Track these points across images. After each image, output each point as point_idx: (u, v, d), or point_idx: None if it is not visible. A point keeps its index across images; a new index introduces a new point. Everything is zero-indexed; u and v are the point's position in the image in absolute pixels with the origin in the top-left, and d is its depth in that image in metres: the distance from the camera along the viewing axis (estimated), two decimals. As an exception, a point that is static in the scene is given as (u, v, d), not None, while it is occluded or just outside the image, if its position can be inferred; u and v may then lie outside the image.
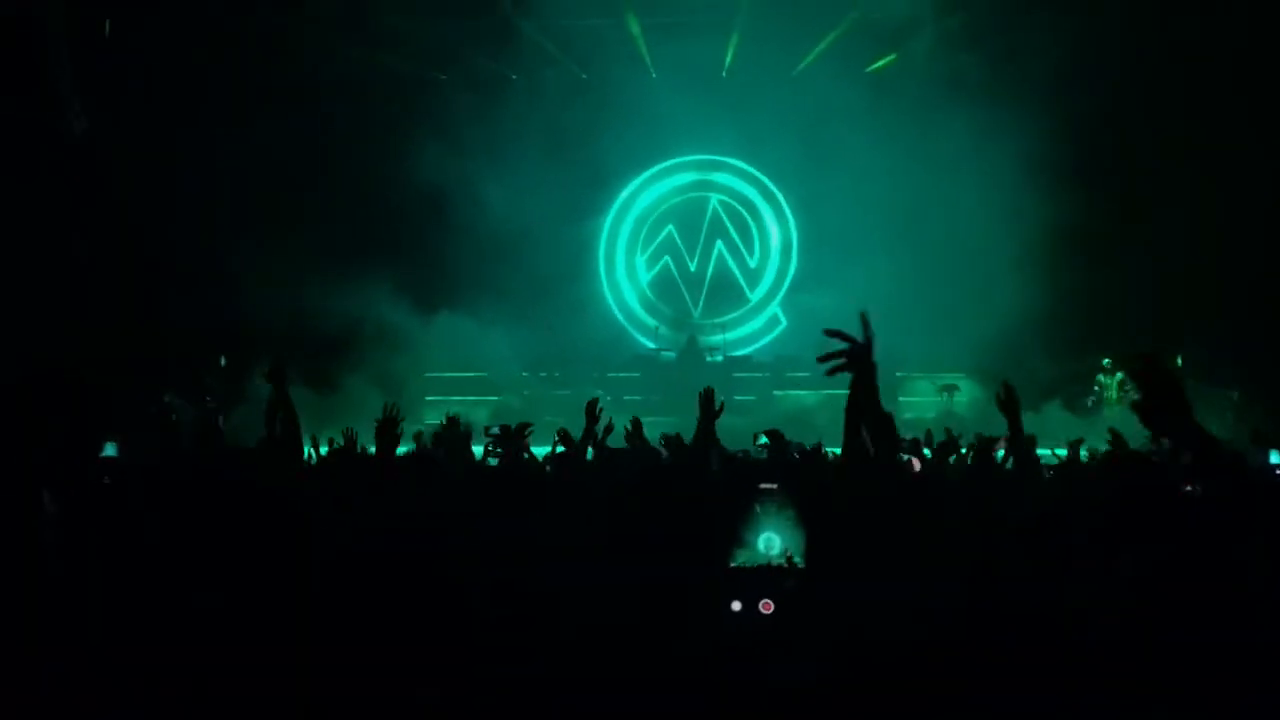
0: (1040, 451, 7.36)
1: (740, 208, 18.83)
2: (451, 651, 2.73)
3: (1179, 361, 14.89)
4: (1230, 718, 1.86)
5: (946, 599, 2.32)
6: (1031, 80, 15.35)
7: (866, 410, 2.53)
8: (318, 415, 11.15)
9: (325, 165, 16.28)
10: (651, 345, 17.91)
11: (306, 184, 16.07)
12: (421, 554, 3.14)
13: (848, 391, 3.09)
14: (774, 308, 18.56)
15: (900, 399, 15.76)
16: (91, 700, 2.70)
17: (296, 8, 15.01)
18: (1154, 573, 1.95)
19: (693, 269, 18.76)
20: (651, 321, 18.37)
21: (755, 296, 18.67)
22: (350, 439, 5.63)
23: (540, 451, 6.91)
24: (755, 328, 18.54)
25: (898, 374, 15.98)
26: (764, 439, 5.20)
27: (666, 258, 18.80)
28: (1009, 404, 4.31)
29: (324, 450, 6.89)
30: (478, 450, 6.91)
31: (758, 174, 18.58)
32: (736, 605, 2.81)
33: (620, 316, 18.59)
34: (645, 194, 18.75)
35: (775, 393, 16.40)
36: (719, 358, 17.44)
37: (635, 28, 16.53)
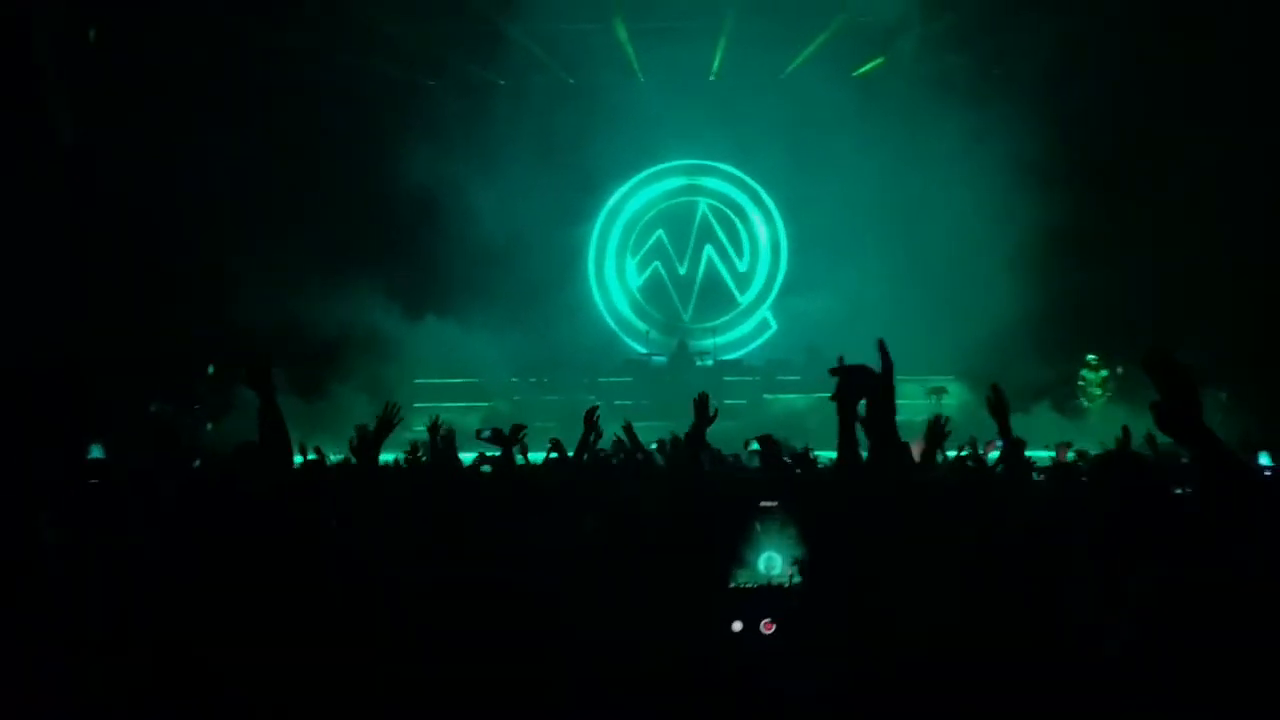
0: (1030, 453, 7.38)
1: (729, 211, 18.85)
2: (444, 662, 2.71)
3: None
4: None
5: (949, 609, 2.32)
6: (1019, 82, 15.43)
7: (881, 438, 2.49)
8: (306, 422, 11.14)
9: (315, 171, 16.22)
10: (642, 350, 17.89)
11: (296, 190, 16.03)
12: (415, 559, 3.13)
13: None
14: (764, 311, 18.58)
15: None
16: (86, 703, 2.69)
17: (287, 14, 14.96)
18: (1159, 581, 1.94)
19: (683, 273, 18.77)
20: (642, 326, 18.36)
21: (745, 300, 18.69)
22: (320, 454, 5.60)
23: (534, 458, 6.90)
24: (745, 331, 18.56)
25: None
26: (755, 445, 5.18)
27: (656, 262, 18.80)
28: (998, 407, 4.30)
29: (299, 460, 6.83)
30: (466, 457, 6.88)
31: (746, 178, 18.61)
32: (738, 625, 2.79)
33: (611, 321, 18.58)
34: (635, 198, 18.75)
35: (766, 396, 16.41)
36: (709, 362, 17.45)
37: (623, 33, 16.53)
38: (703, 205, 18.86)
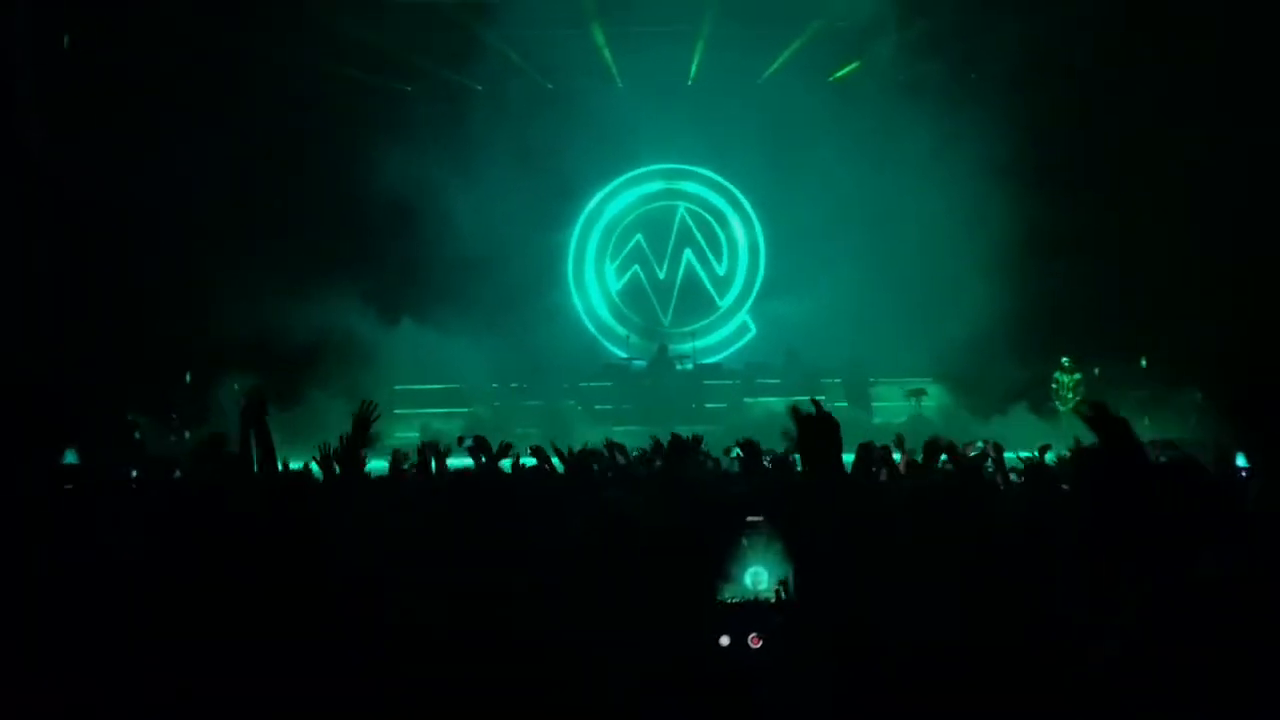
0: (1008, 455, 7.43)
1: (708, 215, 18.88)
2: (435, 666, 2.71)
3: (1143, 363, 15.09)
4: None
5: (936, 620, 2.33)
6: (994, 85, 15.54)
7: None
8: (282, 430, 11.05)
9: (292, 178, 16.15)
10: (622, 354, 17.89)
11: (273, 197, 15.95)
12: (400, 569, 3.12)
13: (819, 398, 3.07)
14: (743, 315, 18.62)
15: (869, 405, 15.89)
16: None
17: (261, 20, 14.88)
18: (1150, 585, 1.96)
19: (662, 277, 18.79)
20: (622, 330, 18.36)
21: (724, 304, 18.72)
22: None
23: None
24: (725, 335, 18.59)
25: (869, 379, 16.11)
26: (737, 450, 5.19)
27: (636, 266, 18.81)
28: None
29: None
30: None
31: (724, 182, 18.65)
32: (725, 640, 2.80)
33: (590, 326, 18.58)
34: (613, 203, 18.76)
35: (745, 400, 16.44)
36: (689, 365, 17.46)
37: (600, 38, 16.54)
38: (681, 209, 18.88)
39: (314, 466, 4.77)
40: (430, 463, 5.96)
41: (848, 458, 3.60)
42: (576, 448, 6.52)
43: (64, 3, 14.57)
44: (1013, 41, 14.93)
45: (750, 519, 3.01)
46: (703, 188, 18.80)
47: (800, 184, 16.67)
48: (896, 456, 8.09)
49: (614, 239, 18.82)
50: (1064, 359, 15.71)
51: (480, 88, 17.41)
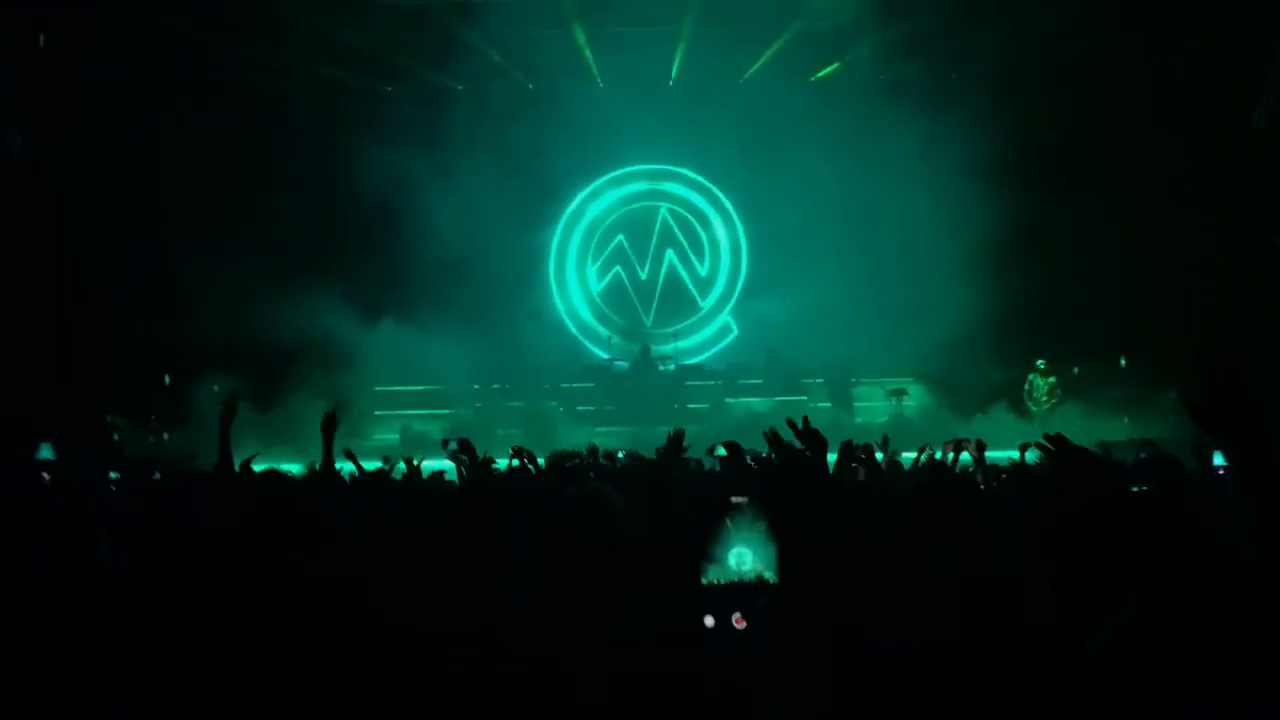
0: (990, 455, 7.45)
1: (690, 216, 18.88)
2: (416, 660, 2.70)
3: (1122, 363, 15.19)
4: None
5: (923, 607, 2.34)
6: (975, 85, 15.61)
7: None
8: (263, 432, 11.01)
9: (271, 178, 16.08)
10: (604, 355, 17.88)
11: (252, 197, 15.87)
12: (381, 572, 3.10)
13: (800, 398, 3.09)
14: (725, 315, 18.64)
15: (852, 405, 15.93)
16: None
17: (240, 19, 14.80)
18: (1140, 588, 1.96)
19: (644, 278, 18.78)
20: (604, 331, 18.34)
21: (706, 304, 18.74)
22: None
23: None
24: (707, 336, 18.60)
25: (851, 380, 16.16)
26: (721, 450, 5.20)
27: (618, 267, 18.80)
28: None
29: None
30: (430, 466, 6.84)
31: (706, 182, 18.66)
32: (709, 621, 2.81)
33: (572, 327, 18.56)
34: (595, 204, 18.75)
35: (727, 400, 16.45)
36: (671, 366, 17.47)
37: (581, 38, 16.53)
38: (663, 210, 18.88)
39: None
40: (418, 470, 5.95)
41: (831, 457, 3.61)
42: (559, 449, 6.52)
43: (40, 1, 14.45)
44: (994, 43, 15.02)
45: (734, 499, 3.02)
46: (685, 188, 18.81)
47: (782, 184, 16.71)
48: (879, 456, 8.11)
49: (596, 239, 18.81)
50: (1039, 361, 15.78)
51: (461, 88, 17.36)
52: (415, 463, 6.34)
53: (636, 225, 18.84)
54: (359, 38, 15.43)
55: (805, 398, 15.45)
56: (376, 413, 15.66)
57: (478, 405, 15.93)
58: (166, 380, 15.60)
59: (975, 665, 2.25)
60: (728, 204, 18.61)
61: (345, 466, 6.37)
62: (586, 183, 18.52)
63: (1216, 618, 1.86)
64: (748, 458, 5.19)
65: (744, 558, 2.93)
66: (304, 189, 16.36)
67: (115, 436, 14.16)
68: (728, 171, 18.01)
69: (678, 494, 4.31)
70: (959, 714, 2.23)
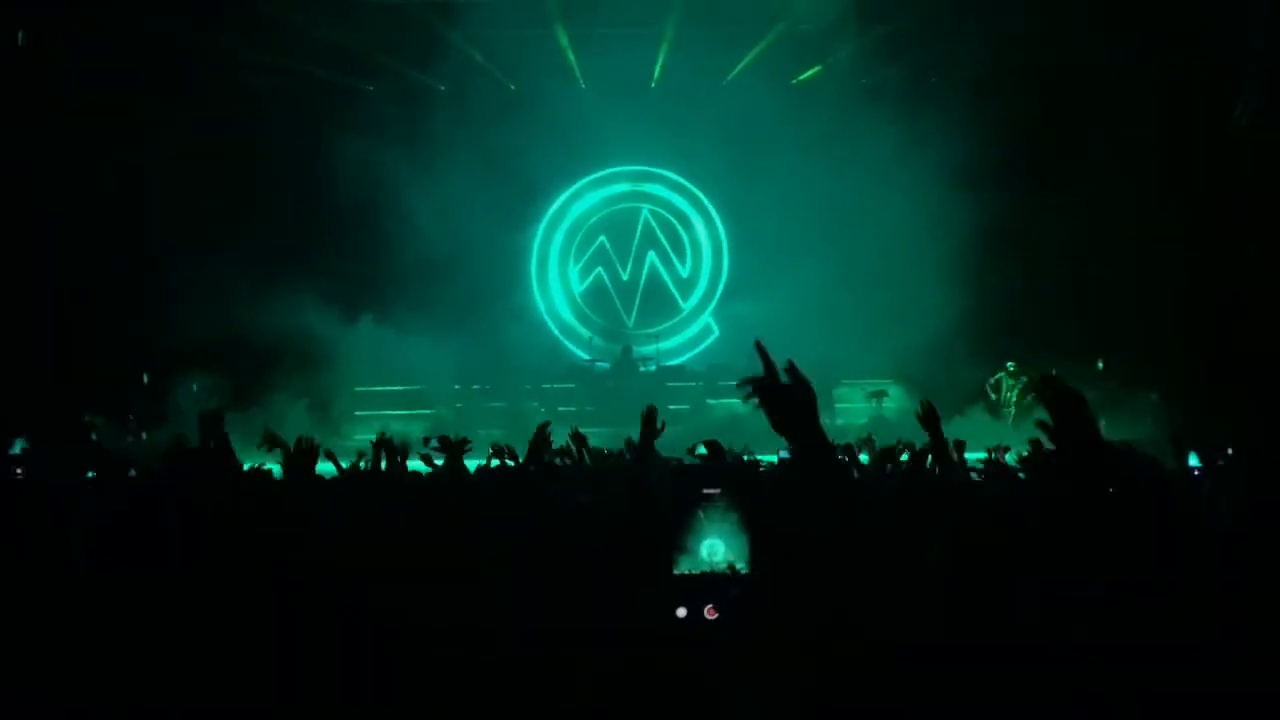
0: (968, 455, 7.49)
1: (671, 217, 18.89)
2: (392, 673, 2.69)
3: (1099, 365, 15.28)
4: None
5: (898, 601, 2.34)
6: (954, 89, 15.67)
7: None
8: (241, 431, 10.93)
9: (252, 177, 16.01)
10: (585, 356, 17.86)
11: (232, 197, 15.78)
12: (358, 570, 3.09)
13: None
14: (706, 317, 18.65)
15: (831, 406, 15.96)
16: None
17: (220, 17, 14.72)
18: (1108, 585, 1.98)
19: (625, 279, 18.78)
20: (585, 332, 18.33)
21: (688, 306, 18.75)
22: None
23: (474, 465, 6.84)
24: (688, 337, 18.62)
25: (831, 381, 16.19)
26: (702, 449, 5.20)
27: (599, 268, 18.79)
28: (929, 420, 4.40)
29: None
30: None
31: (688, 184, 18.67)
32: (682, 612, 2.82)
33: (554, 327, 18.53)
34: (577, 205, 18.73)
35: (709, 401, 16.46)
36: (652, 367, 17.47)
37: (564, 39, 16.52)
38: (645, 211, 18.89)
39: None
40: (382, 461, 5.89)
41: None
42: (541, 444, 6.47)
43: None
44: (973, 47, 15.09)
45: (706, 491, 3.03)
46: (666, 189, 18.81)
47: (763, 186, 16.76)
48: (864, 457, 8.15)
49: (577, 240, 18.80)
50: (1009, 364, 15.90)
51: (443, 88, 17.32)
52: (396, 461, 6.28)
53: (618, 226, 18.84)
54: (340, 37, 15.37)
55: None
56: (356, 413, 15.60)
57: (459, 405, 15.89)
58: (145, 379, 15.49)
59: (952, 659, 2.26)
60: (709, 205, 18.63)
61: (325, 467, 6.34)
62: (568, 184, 18.50)
63: (1195, 603, 1.88)
64: (729, 460, 5.20)
65: (716, 549, 2.94)
66: (285, 188, 16.30)
67: (93, 435, 14.04)
68: (709, 173, 18.02)
69: (656, 482, 4.31)
70: (935, 707, 2.24)
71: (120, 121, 14.74)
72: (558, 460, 6.37)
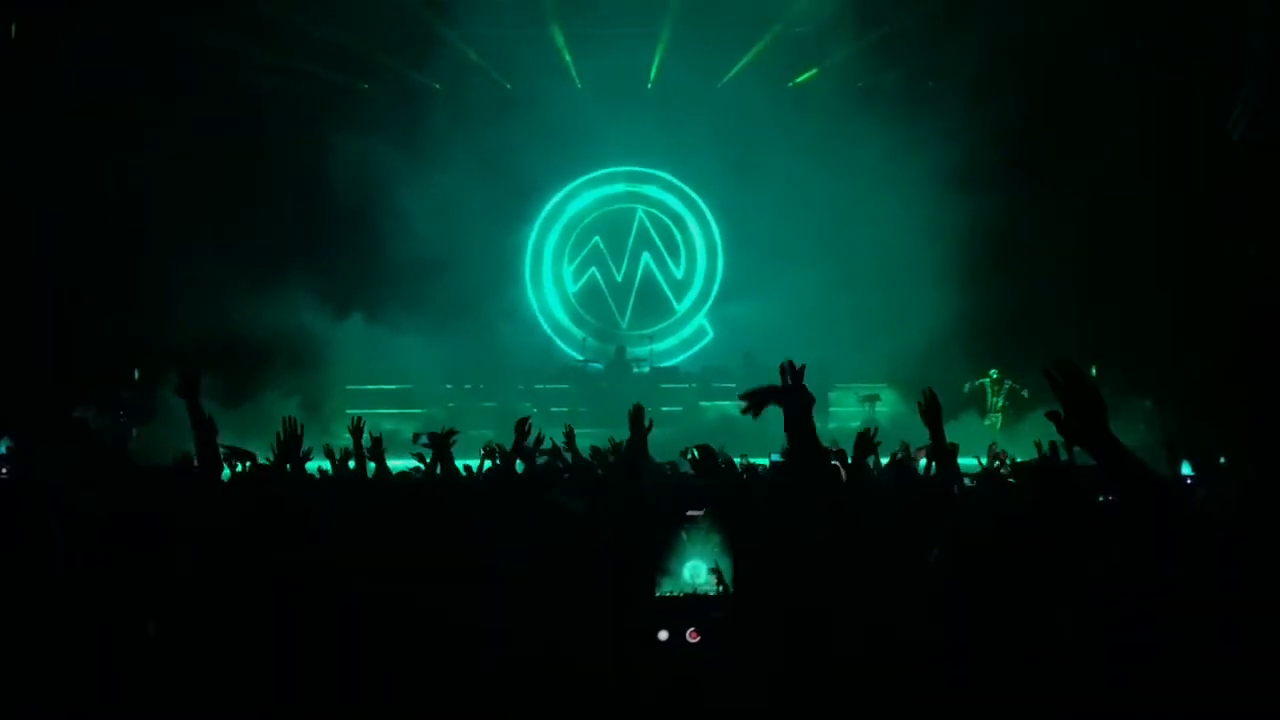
0: (961, 460, 7.46)
1: (666, 219, 18.88)
2: (371, 678, 2.67)
3: (1094, 371, 15.28)
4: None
5: (884, 617, 2.33)
6: (951, 92, 15.68)
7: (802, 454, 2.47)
8: (232, 429, 10.90)
9: (247, 174, 15.95)
10: (579, 356, 17.84)
11: (227, 194, 15.73)
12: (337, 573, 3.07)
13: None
14: (700, 319, 18.64)
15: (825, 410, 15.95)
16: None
17: (216, 15, 14.68)
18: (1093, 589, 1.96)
19: (619, 279, 18.76)
20: (579, 332, 18.31)
21: (682, 307, 18.74)
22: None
23: (465, 464, 6.81)
24: (682, 338, 18.61)
25: (824, 385, 16.19)
26: (695, 453, 5.18)
27: (593, 269, 18.77)
28: (931, 411, 4.34)
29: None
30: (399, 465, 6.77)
31: (683, 185, 18.66)
32: (664, 635, 2.80)
33: (547, 327, 18.51)
34: (571, 205, 18.71)
35: (702, 403, 16.45)
36: (646, 369, 17.45)
37: (560, 39, 16.50)
38: (640, 211, 18.88)
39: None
40: (364, 458, 5.86)
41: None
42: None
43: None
44: (970, 50, 15.08)
45: (690, 513, 3.01)
46: (661, 190, 18.81)
47: (758, 188, 16.74)
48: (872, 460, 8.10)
49: (572, 240, 18.78)
50: (992, 371, 15.95)
51: (438, 86, 17.30)
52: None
53: (613, 227, 18.82)
54: (336, 34, 15.34)
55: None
56: (348, 411, 15.53)
57: (451, 405, 15.85)
58: (136, 375, 15.43)
59: (952, 661, 2.25)
60: (704, 207, 18.62)
61: (322, 464, 6.32)
62: (563, 183, 18.48)
63: (1188, 604, 1.86)
64: (721, 463, 5.17)
65: (699, 571, 2.92)
66: (280, 185, 16.24)
67: (89, 430, 13.97)
68: (705, 175, 18.01)
69: (650, 488, 4.29)
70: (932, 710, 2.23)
71: (116, 119, 14.68)
72: (541, 457, 6.35)
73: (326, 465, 6.47)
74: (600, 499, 3.80)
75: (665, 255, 18.85)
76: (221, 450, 5.13)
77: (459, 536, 3.10)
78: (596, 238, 18.78)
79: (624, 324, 18.62)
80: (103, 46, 14.50)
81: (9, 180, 13.98)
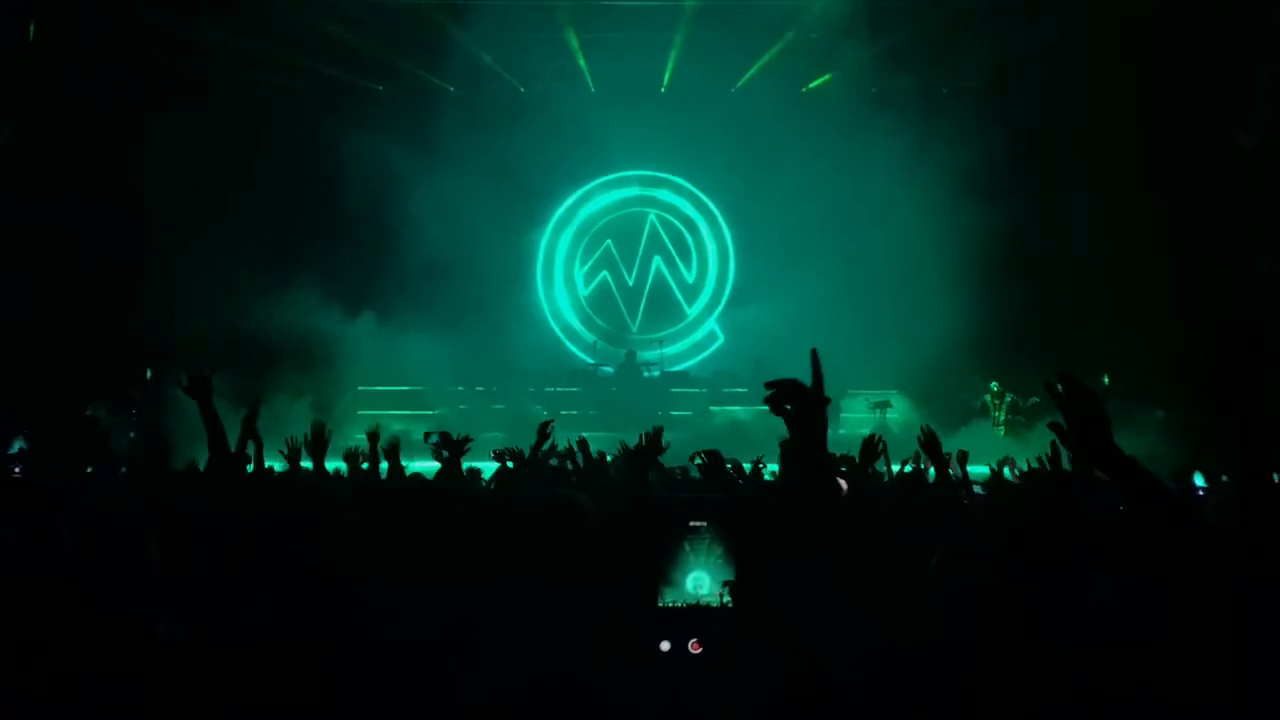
0: (971, 468, 7.45)
1: (678, 223, 18.90)
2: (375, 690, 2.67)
3: (1105, 380, 15.22)
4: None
5: (884, 627, 2.32)
6: (964, 99, 15.65)
7: (809, 459, 2.46)
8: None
9: (260, 175, 16.02)
10: (589, 360, 17.86)
11: (239, 194, 15.79)
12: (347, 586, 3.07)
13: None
14: (711, 323, 18.64)
15: (836, 416, 15.91)
16: None
17: (231, 13, 14.74)
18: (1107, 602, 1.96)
19: (631, 283, 18.78)
20: (589, 336, 18.33)
21: (693, 312, 18.74)
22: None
23: (477, 466, 6.83)
24: (692, 343, 18.61)
25: (835, 391, 16.15)
26: (701, 458, 5.19)
27: (604, 272, 18.79)
28: (930, 446, 4.38)
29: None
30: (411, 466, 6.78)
31: (695, 190, 18.68)
32: (665, 645, 2.79)
33: (558, 330, 18.53)
34: (584, 208, 18.75)
35: (712, 408, 16.44)
36: (656, 373, 17.45)
37: (574, 43, 16.53)
38: (651, 216, 18.90)
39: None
40: (379, 460, 5.88)
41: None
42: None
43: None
44: (983, 58, 15.06)
45: (693, 524, 3.00)
46: (674, 195, 18.83)
47: (771, 194, 16.75)
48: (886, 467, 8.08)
49: (584, 244, 18.81)
50: (993, 384, 15.96)
51: (452, 89, 17.35)
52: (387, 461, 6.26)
53: (625, 231, 18.85)
54: (350, 36, 15.40)
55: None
56: (359, 412, 15.58)
57: (462, 407, 15.87)
58: (148, 374, 15.49)
59: (952, 663, 2.24)
60: (716, 212, 18.63)
61: (340, 466, 6.34)
62: (575, 187, 18.52)
63: (1195, 612, 1.86)
64: (728, 466, 5.17)
65: (701, 582, 2.91)
66: (294, 186, 16.30)
67: (101, 429, 14.03)
68: (717, 179, 18.04)
69: (655, 497, 4.29)
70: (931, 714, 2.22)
71: (128, 118, 14.75)
72: (555, 461, 6.35)
73: (342, 466, 6.50)
74: (606, 503, 3.80)
75: (677, 259, 18.87)
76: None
77: (466, 537, 3.10)
78: (608, 241, 18.80)
79: (635, 328, 18.64)
80: (121, 48, 14.58)
81: (25, 178, 14.07)
